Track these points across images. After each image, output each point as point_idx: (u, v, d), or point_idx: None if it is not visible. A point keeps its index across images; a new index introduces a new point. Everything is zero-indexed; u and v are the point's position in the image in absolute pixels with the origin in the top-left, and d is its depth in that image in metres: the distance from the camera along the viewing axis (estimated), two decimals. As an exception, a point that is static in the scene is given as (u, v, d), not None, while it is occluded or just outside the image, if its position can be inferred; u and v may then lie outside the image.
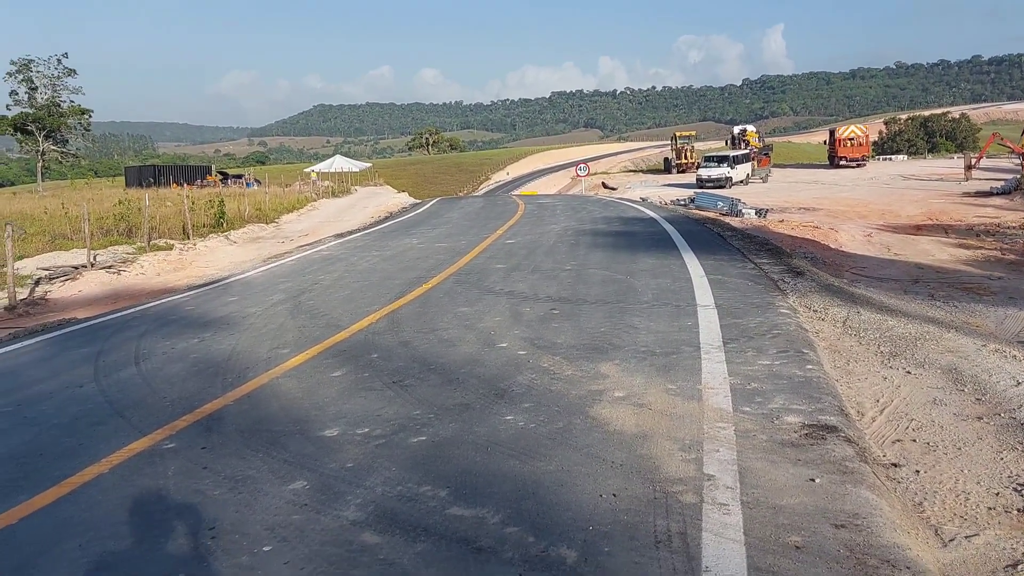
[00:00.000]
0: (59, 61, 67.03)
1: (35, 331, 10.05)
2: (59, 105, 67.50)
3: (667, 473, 4.19)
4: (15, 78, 65.83)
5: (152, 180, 56.35)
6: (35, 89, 66.53)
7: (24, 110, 65.81)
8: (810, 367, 5.99)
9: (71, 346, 8.82)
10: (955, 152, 76.47)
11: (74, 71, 67.92)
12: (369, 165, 75.57)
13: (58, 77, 67.32)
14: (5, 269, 16.66)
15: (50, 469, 4.96)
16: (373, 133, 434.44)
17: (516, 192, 60.45)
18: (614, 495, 3.98)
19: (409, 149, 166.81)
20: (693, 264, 11.50)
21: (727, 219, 21.99)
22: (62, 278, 16.16)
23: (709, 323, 7.59)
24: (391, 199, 43.47)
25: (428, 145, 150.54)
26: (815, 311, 8.21)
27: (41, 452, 5.30)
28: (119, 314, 10.76)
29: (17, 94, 66.06)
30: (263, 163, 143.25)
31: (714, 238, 15.35)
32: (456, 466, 4.52)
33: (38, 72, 66.47)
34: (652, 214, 22.21)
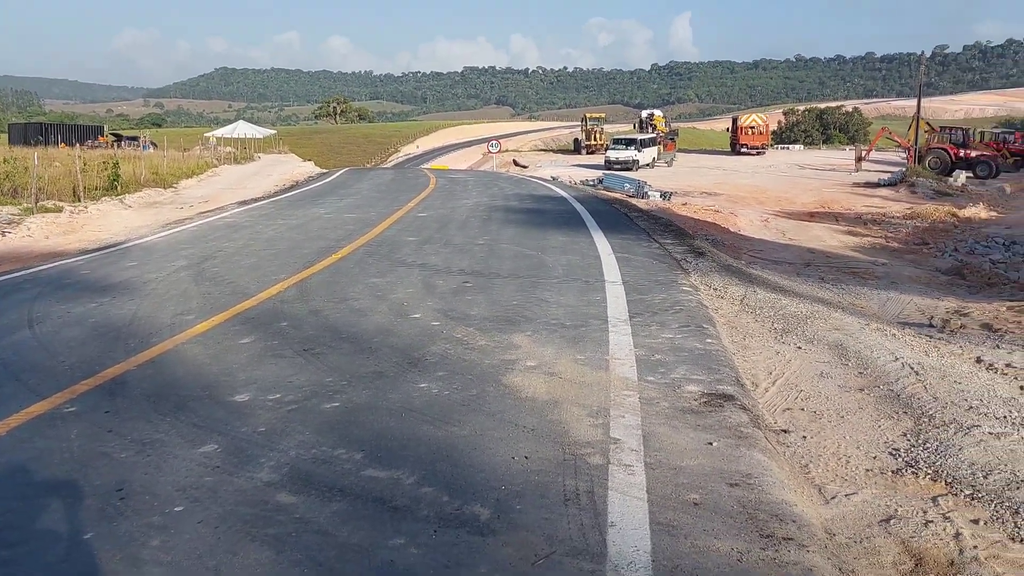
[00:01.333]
0: (-65, 6, 62.38)
1: (-86, 292, 9.47)
2: (-66, 54, 62.91)
3: (576, 437, 4.37)
4: None
5: (39, 139, 53.30)
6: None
7: None
8: (710, 341, 6.30)
9: (-44, 308, 8.37)
10: (847, 144, 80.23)
11: (-48, 18, 63.39)
12: (273, 132, 73.55)
13: (-66, 23, 62.71)
14: None
15: (-59, 432, 4.76)
16: (278, 99, 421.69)
17: (426, 166, 60.00)
18: (526, 457, 4.13)
19: (316, 117, 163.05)
20: (601, 242, 11.79)
21: (633, 200, 22.51)
22: (-61, 238, 15.22)
23: (616, 298, 7.85)
24: (296, 168, 42.48)
25: (335, 114, 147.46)
26: (715, 289, 8.59)
27: (-70, 415, 5.07)
28: (7, 276, 10.25)
29: None
30: (159, 125, 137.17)
31: (621, 218, 15.74)
32: (370, 431, 4.58)
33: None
34: (562, 193, 22.52)
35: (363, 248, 11.69)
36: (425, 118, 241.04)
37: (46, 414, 5.01)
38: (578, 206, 17.96)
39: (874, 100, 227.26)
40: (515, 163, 56.03)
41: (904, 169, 39.41)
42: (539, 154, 70.79)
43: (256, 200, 21.53)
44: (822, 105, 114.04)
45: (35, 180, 20.34)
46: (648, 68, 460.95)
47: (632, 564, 3.11)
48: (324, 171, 38.88)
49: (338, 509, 3.62)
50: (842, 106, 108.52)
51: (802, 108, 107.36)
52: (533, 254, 10.82)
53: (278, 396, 5.24)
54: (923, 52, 65.30)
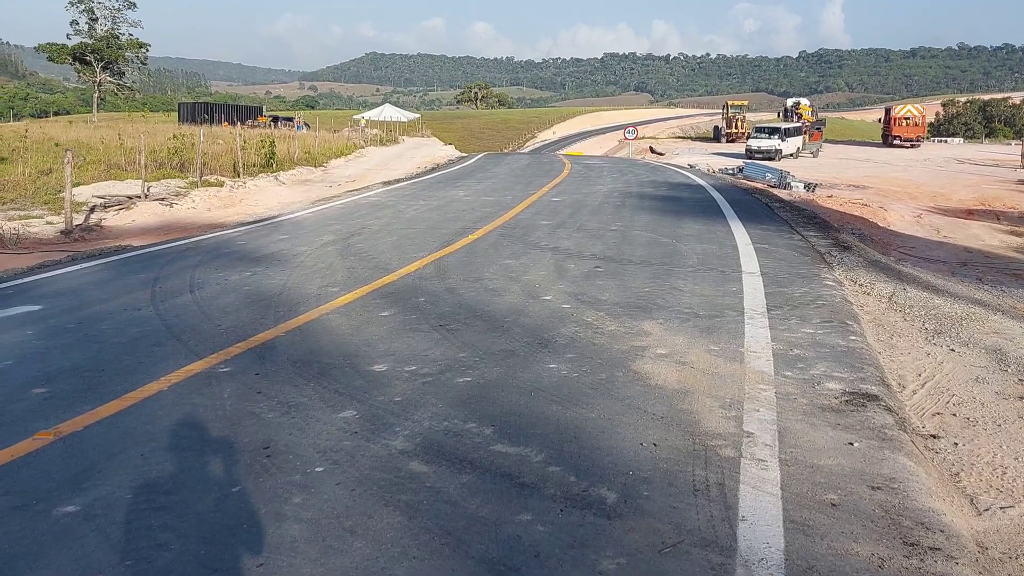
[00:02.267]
0: (120, -7, 67.61)
1: (92, 255, 10.36)
2: (118, 37, 68.22)
3: (707, 428, 4.28)
4: (76, 7, 66.59)
5: (205, 117, 56.95)
6: (95, 20, 67.28)
7: (84, 40, 66.65)
8: (853, 338, 6.01)
9: (127, 271, 9.11)
10: (1013, 138, 74.21)
11: (134, 3, 68.48)
12: (417, 116, 75.47)
13: (119, 9, 67.92)
14: (62, 195, 17.13)
15: (112, 383, 5.19)
16: (423, 84, 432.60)
17: (562, 152, 60.04)
18: (655, 444, 4.09)
19: (457, 102, 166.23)
20: (740, 232, 11.45)
21: (775, 191, 21.71)
22: (116, 207, 16.56)
23: (754, 290, 7.61)
24: (438, 151, 43.53)
25: (476, 100, 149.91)
26: (861, 285, 8.17)
27: (103, 368, 5.54)
28: (173, 244, 11.05)
29: (78, 24, 66.88)
30: (312, 107, 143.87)
31: (762, 208, 15.22)
32: (501, 407, 4.65)
33: (99, 3, 67.15)
34: (699, 181, 22.01)
35: (498, 230, 11.85)
36: (563, 104, 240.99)
37: (203, 372, 5.38)
38: (716, 194, 17.51)
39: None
40: (652, 150, 55.18)
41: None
42: (677, 141, 69.42)
43: (399, 181, 22.22)
44: (986, 96, 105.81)
45: (200, 157, 21.76)
46: (795, 55, 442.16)
47: (764, 561, 3.03)
48: (463, 155, 39.64)
49: (467, 481, 3.71)
50: (1009, 98, 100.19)
51: (963, 99, 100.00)
52: (667, 241, 10.64)
53: (414, 368, 5.41)
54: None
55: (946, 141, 67.72)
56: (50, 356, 5.81)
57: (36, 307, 7.33)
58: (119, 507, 3.53)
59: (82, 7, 66.44)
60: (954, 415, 4.84)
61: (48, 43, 67.79)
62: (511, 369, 5.35)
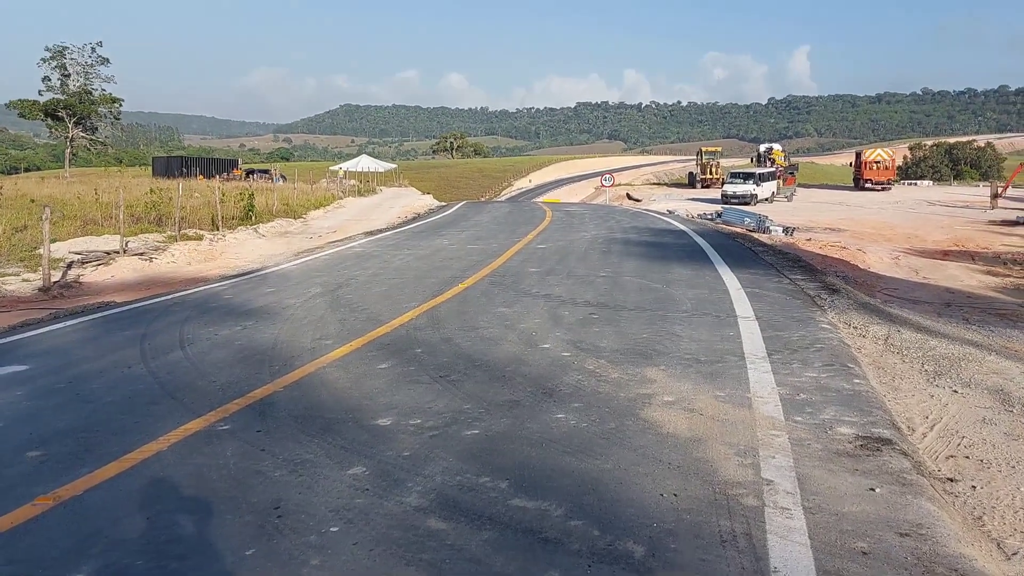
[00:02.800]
0: (93, 49, 67.84)
1: (75, 312, 10.18)
2: (91, 93, 68.30)
3: (725, 476, 4.23)
4: (48, 64, 66.67)
5: (182, 171, 56.92)
6: (68, 76, 67.36)
7: (56, 96, 66.58)
8: (857, 381, 6.01)
9: (114, 328, 8.94)
10: (980, 180, 75.97)
11: (107, 60, 68.75)
12: (394, 166, 75.98)
13: (91, 65, 68.15)
14: (38, 251, 16.91)
15: (109, 444, 5.05)
16: (398, 135, 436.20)
17: (539, 199, 60.51)
18: (675, 495, 4.02)
19: (433, 152, 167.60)
20: (728, 276, 11.52)
21: (756, 235, 21.96)
22: (94, 262, 16.36)
23: (751, 334, 7.62)
24: (416, 200, 43.67)
25: (452, 149, 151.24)
26: (855, 328, 8.22)
27: (98, 428, 5.39)
28: (158, 300, 10.89)
29: (50, 80, 66.90)
30: (287, 159, 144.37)
31: (746, 252, 15.35)
32: (512, 460, 4.57)
33: (72, 59, 67.32)
34: (681, 226, 22.22)
35: (488, 278, 11.83)
36: (538, 153, 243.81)
37: (202, 431, 5.25)
38: (699, 240, 17.66)
39: (1008, 135, 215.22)
40: (628, 196, 55.76)
41: (1048, 206, 36.98)
42: (652, 187, 70.30)
43: (381, 231, 22.21)
44: (952, 140, 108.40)
45: (178, 210, 21.64)
46: (765, 102, 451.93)
47: (801, 613, 2.96)
48: (443, 204, 39.81)
49: (489, 538, 3.62)
50: (974, 140, 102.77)
51: (930, 143, 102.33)
52: (658, 287, 10.68)
53: (419, 421, 5.32)
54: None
55: (916, 184, 69.22)
56: (42, 417, 5.65)
57: (23, 367, 7.16)
58: (131, 575, 3.39)
59: (54, 64, 66.56)
60: (967, 457, 4.82)
61: (19, 99, 67.64)
62: (518, 420, 5.27)
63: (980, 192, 56.03)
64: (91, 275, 15.25)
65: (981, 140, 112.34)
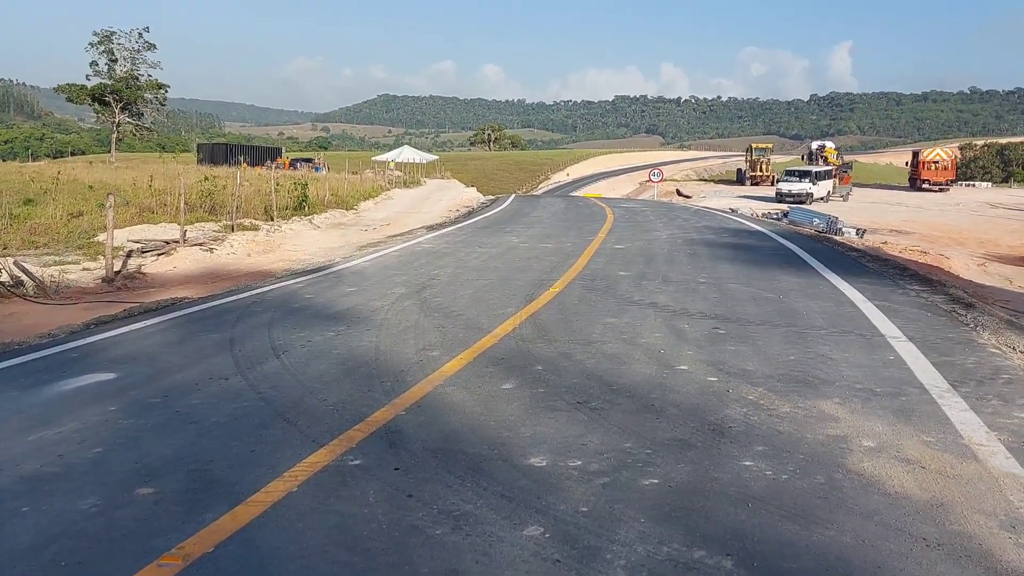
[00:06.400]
0: (140, 35, 68.02)
1: (149, 310, 9.57)
2: (137, 78, 68.49)
3: (1008, 561, 3.40)
4: (96, 49, 66.94)
5: (225, 158, 56.85)
6: (115, 61, 67.60)
7: (103, 81, 66.85)
8: (1083, 426, 5.13)
9: (197, 330, 8.30)
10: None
11: (154, 45, 68.85)
12: (436, 158, 75.39)
13: (138, 51, 68.35)
14: (96, 239, 16.43)
15: (228, 481, 4.35)
16: (434, 126, 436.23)
17: (577, 193, 59.59)
18: (960, 588, 3.21)
19: (470, 144, 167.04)
20: (843, 286, 10.61)
21: (836, 238, 20.92)
22: (154, 252, 15.84)
23: (915, 359, 6.75)
24: (462, 193, 43.06)
25: (489, 141, 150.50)
26: (1023, 352, 7.29)
27: (211, 458, 4.70)
28: (236, 297, 10.25)
29: (97, 65, 67.20)
30: (325, 148, 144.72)
31: (843, 257, 14.40)
32: (720, 524, 3.78)
33: (119, 45, 67.54)
34: (755, 226, 21.25)
35: (577, 282, 11.05)
36: (575, 146, 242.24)
37: (331, 466, 4.53)
38: (785, 242, 16.72)
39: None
40: (679, 193, 54.62)
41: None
42: (700, 184, 68.95)
43: (442, 226, 21.52)
44: (1003, 140, 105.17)
45: (236, 199, 21.12)
46: (807, 98, 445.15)
47: None
48: (492, 197, 39.12)
49: (750, 646, 2.83)
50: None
51: (980, 143, 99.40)
52: (772, 296, 9.81)
53: (579, 463, 4.55)
54: None
55: (974, 185, 67.05)
56: (145, 441, 4.97)
57: (110, 375, 6.51)
58: None
59: (102, 48, 66.79)
60: None
61: (68, 84, 68.08)
62: (699, 467, 4.48)
63: (1044, 195, 54.16)
64: (152, 265, 14.76)
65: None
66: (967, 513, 3.84)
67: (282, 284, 11.37)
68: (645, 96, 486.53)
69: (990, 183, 72.14)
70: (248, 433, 5.11)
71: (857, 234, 23.91)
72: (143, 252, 15.77)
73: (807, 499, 4.04)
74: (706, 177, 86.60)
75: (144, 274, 14.07)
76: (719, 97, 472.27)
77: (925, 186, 56.01)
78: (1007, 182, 78.30)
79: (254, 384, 6.21)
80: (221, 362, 6.89)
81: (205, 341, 7.74)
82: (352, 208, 29.01)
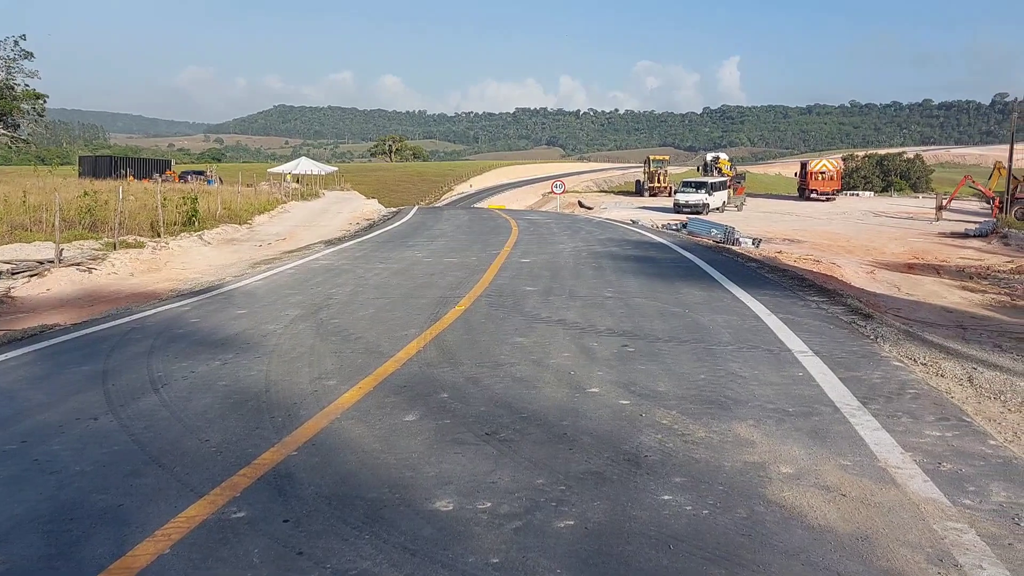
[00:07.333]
0: (16, 43, 63.99)
1: (14, 339, 8.71)
2: (13, 88, 64.39)
3: (940, 600, 3.23)
4: (-33, 58, 62.67)
5: (110, 172, 54.11)
6: (-12, 70, 63.40)
7: (-26, 91, 62.57)
8: (992, 442, 5.10)
9: (66, 362, 7.54)
10: (910, 191, 77.97)
11: (31, 54, 64.86)
12: (335, 169, 73.89)
13: (13, 59, 64.20)
14: (-40, 260, 15.10)
15: (90, 543, 3.80)
16: (333, 137, 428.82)
17: (481, 204, 59.49)
18: (896, 635, 3.01)
19: (371, 155, 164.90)
20: (746, 298, 10.64)
21: (734, 248, 21.34)
22: (25, 273, 14.69)
23: (823, 375, 6.69)
24: (363, 205, 42.21)
25: (391, 152, 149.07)
26: (924, 364, 7.35)
27: (71, 515, 4.12)
28: (111, 323, 9.45)
29: (-32, 74, 62.84)
30: (219, 160, 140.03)
31: (742, 268, 14.58)
32: (641, 571, 3.49)
33: (-8, 53, 63.39)
34: (656, 238, 21.45)
35: (483, 298, 10.72)
36: (477, 158, 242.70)
37: (211, 521, 4.03)
38: (685, 253, 16.86)
39: (932, 147, 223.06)
40: (580, 204, 55.19)
41: (995, 220, 37.66)
42: (601, 195, 69.96)
43: (341, 240, 20.84)
44: (882, 151, 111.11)
45: (117, 215, 19.90)
46: (700, 111, 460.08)
47: None
48: (394, 209, 38.46)
49: None
50: (903, 152, 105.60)
51: (861, 154, 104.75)
52: (679, 311, 9.72)
53: (488, 505, 4.19)
54: (1016, 99, 63.36)
55: (858, 195, 70.46)
56: (-8, 500, 4.34)
57: (-42, 419, 5.77)
58: None
59: (-27, 57, 62.58)
60: None
61: (-66, 94, 63.41)
62: (617, 504, 4.19)
63: (920, 204, 57.25)
64: (24, 288, 13.64)
65: (909, 152, 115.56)
66: (892, 546, 3.68)
67: (166, 307, 10.60)
68: (545, 108, 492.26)
69: (872, 192, 75.94)
70: (116, 483, 4.54)
71: (753, 244, 24.52)
72: (13, 273, 14.59)
73: (730, 537, 3.80)
74: (606, 188, 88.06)
75: (12, 298, 12.96)
76: (616, 110, 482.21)
77: (813, 196, 58.38)
78: (887, 191, 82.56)
79: (127, 424, 5.60)
80: (91, 399, 6.22)
81: (74, 375, 7.01)
82: (246, 222, 27.88)
